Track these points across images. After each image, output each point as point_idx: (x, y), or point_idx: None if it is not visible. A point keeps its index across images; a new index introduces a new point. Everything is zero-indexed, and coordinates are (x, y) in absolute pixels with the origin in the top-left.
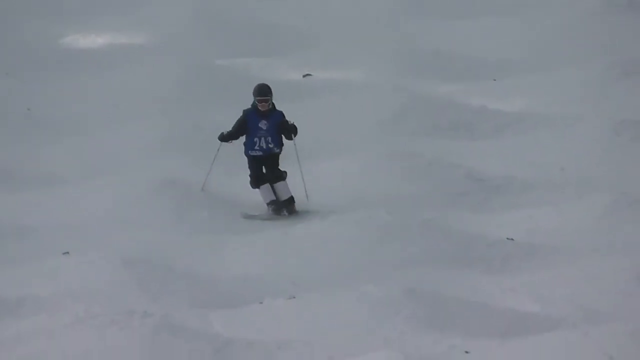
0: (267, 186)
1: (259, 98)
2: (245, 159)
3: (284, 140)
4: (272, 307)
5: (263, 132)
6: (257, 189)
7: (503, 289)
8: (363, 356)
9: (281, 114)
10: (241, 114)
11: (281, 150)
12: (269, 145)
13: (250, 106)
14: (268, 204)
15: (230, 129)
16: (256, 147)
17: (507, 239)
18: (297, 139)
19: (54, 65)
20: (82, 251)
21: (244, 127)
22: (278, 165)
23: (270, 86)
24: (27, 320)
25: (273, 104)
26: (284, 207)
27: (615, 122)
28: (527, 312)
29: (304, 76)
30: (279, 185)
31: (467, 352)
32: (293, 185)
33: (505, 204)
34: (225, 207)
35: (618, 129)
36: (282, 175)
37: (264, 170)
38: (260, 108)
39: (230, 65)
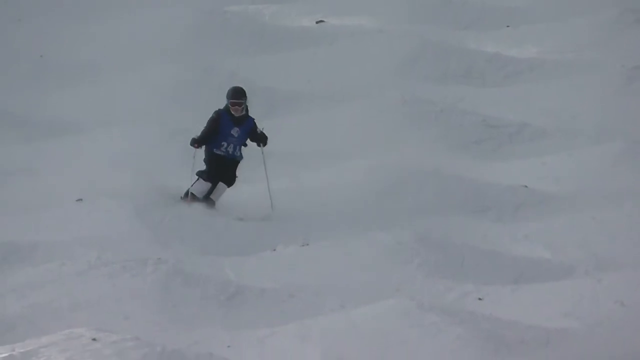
0: (208, 185)
1: (232, 101)
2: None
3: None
4: (285, 254)
5: (233, 139)
6: (197, 179)
7: (515, 237)
8: (374, 304)
9: (253, 121)
10: (213, 113)
11: (242, 159)
12: (235, 152)
13: (223, 108)
14: (191, 194)
15: (201, 132)
16: (222, 149)
17: (520, 186)
18: (266, 146)
19: (67, 12)
20: (94, 198)
21: (216, 128)
22: (235, 170)
23: (245, 90)
24: (39, 267)
25: (247, 107)
26: (202, 203)
27: (628, 68)
28: (540, 259)
29: (317, 22)
30: (222, 185)
31: (480, 298)
32: (258, 194)
33: (518, 151)
34: None
35: (631, 75)
36: (232, 181)
37: (217, 172)
38: (233, 112)
39: (241, 11)
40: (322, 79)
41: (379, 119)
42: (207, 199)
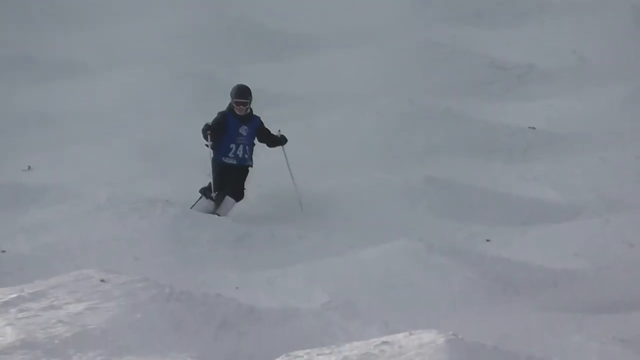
0: (209, 204)
1: (237, 100)
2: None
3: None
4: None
5: (242, 138)
6: (200, 197)
7: (524, 178)
8: (383, 245)
9: (259, 119)
10: (217, 114)
11: (252, 164)
12: (245, 155)
13: (226, 109)
14: (204, 195)
15: (208, 124)
16: (230, 154)
17: (529, 127)
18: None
19: None
20: (104, 139)
21: (223, 128)
22: (244, 181)
23: (251, 89)
24: (50, 208)
25: (251, 108)
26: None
27: (637, 9)
28: (548, 201)
29: None
30: (229, 200)
31: (488, 240)
32: (286, 198)
33: (527, 92)
34: None
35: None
36: (240, 195)
37: (222, 186)
38: (237, 112)
39: None
40: (331, 21)
41: (388, 61)
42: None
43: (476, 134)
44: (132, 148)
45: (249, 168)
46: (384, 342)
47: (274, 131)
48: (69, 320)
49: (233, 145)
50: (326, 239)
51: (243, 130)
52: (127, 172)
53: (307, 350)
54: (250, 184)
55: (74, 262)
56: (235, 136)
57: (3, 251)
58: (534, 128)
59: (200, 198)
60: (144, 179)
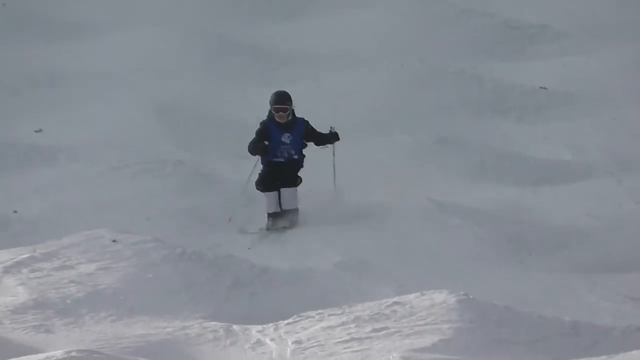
0: (274, 194)
1: (276, 106)
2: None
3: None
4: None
5: (287, 146)
6: (262, 193)
7: (536, 138)
8: (395, 205)
9: (303, 122)
10: (259, 125)
11: (303, 160)
12: (292, 155)
13: (266, 117)
14: (269, 215)
15: (252, 142)
16: (278, 155)
17: (541, 87)
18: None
19: None
20: (115, 100)
21: (268, 137)
22: (296, 173)
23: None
24: (62, 168)
25: (293, 112)
26: (284, 219)
27: None
28: (560, 160)
29: None
30: (287, 191)
31: (498, 200)
32: (323, 176)
33: (539, 52)
34: (257, 57)
35: None
36: (295, 181)
37: (275, 178)
38: (278, 119)
39: None
40: None
41: (399, 21)
42: (285, 212)
43: (488, 93)
44: (143, 108)
45: (300, 163)
46: (396, 303)
47: (324, 129)
48: (81, 280)
49: (278, 152)
50: (336, 195)
51: (286, 138)
52: (139, 133)
53: (319, 311)
54: None
55: (85, 222)
56: (278, 145)
57: (15, 211)
58: (545, 88)
59: (264, 195)
60: (155, 140)
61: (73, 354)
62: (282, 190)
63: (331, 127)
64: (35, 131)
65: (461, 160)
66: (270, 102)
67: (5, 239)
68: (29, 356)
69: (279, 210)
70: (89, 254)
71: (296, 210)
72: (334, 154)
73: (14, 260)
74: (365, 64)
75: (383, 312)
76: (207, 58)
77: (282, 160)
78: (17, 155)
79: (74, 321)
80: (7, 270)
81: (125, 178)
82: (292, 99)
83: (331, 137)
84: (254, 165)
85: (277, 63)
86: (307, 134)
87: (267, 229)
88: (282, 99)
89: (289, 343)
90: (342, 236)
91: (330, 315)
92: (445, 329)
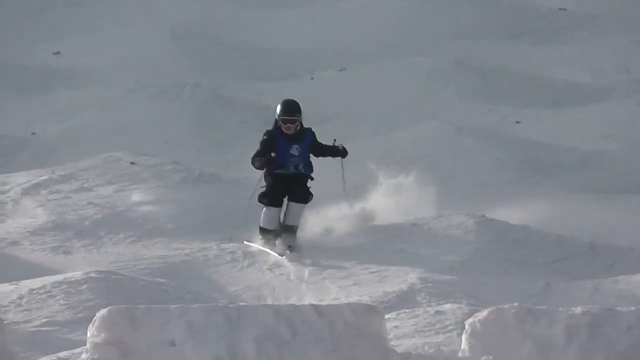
0: (277, 210)
1: (284, 118)
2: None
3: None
4: (323, 79)
5: (295, 158)
6: (263, 207)
7: (554, 60)
8: (413, 127)
9: (311, 133)
10: (263, 135)
11: (311, 172)
12: (300, 169)
13: (272, 127)
14: (263, 230)
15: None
16: (285, 167)
17: (559, 9)
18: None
19: None
20: (132, 23)
21: (274, 148)
22: (305, 185)
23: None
24: (79, 91)
25: (301, 122)
26: (282, 238)
27: None
28: (578, 82)
29: None
30: (296, 206)
31: (518, 122)
32: (334, 196)
33: None
34: None
35: None
36: (306, 197)
37: (282, 192)
38: (285, 131)
39: None
40: None
41: None
42: (285, 231)
43: (505, 15)
44: (160, 32)
45: (308, 176)
46: (413, 224)
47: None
48: (99, 202)
49: (285, 165)
50: (352, 122)
51: (295, 150)
52: (156, 56)
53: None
54: None
55: (103, 144)
56: (287, 158)
57: (33, 133)
58: (564, 9)
59: (263, 210)
60: (173, 63)
61: (92, 274)
62: (291, 204)
63: (334, 140)
64: (53, 53)
65: (479, 83)
66: (277, 112)
67: (24, 160)
68: (48, 277)
69: (277, 229)
70: (107, 176)
71: (295, 227)
72: (342, 167)
73: (33, 182)
74: None
75: (401, 234)
76: None
77: (289, 172)
78: (35, 78)
79: (93, 243)
80: (26, 192)
81: (143, 101)
82: (302, 109)
83: (341, 152)
84: (258, 181)
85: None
86: (315, 147)
87: (262, 243)
88: (291, 110)
89: (307, 264)
90: (362, 158)
91: (348, 236)
92: (462, 250)
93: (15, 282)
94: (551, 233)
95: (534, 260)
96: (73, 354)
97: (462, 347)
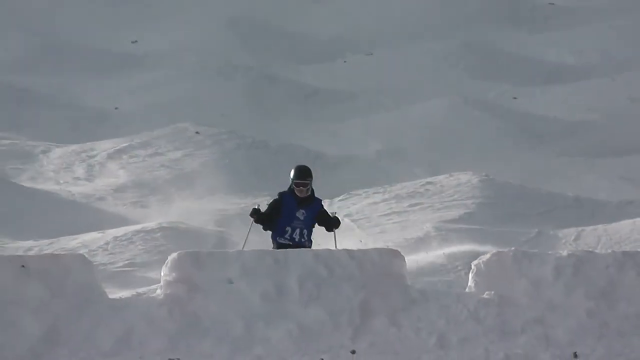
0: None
1: (297, 181)
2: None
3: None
4: (353, 62)
5: (299, 222)
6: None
7: (545, 44)
8: (427, 101)
9: (320, 203)
10: (276, 196)
11: (311, 245)
12: (302, 239)
13: (287, 189)
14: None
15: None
16: (286, 236)
17: (549, 3)
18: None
19: None
20: (192, 12)
21: (278, 211)
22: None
23: (311, 168)
24: (149, 74)
25: (312, 189)
26: None
27: None
28: (565, 63)
29: None
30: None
31: (515, 97)
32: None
33: None
34: None
35: None
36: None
37: None
38: (298, 193)
39: None
40: None
41: None
42: None
43: (505, 6)
44: (217, 20)
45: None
46: (428, 182)
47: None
48: (170, 164)
49: (289, 229)
50: (377, 97)
51: (300, 214)
52: (213, 41)
53: (365, 189)
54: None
55: (172, 117)
56: (291, 219)
57: (116, 108)
58: (552, 4)
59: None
60: (227, 46)
61: (164, 225)
62: None
63: (334, 213)
64: (132, 42)
65: (482, 63)
66: (291, 176)
67: (107, 130)
68: (128, 226)
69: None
70: (176, 143)
71: None
72: (335, 238)
73: (115, 148)
74: None
75: (418, 191)
76: None
77: (290, 243)
78: (115, 61)
79: (164, 198)
80: (110, 156)
81: (203, 80)
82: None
83: (335, 223)
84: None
85: None
86: (321, 216)
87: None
88: (303, 175)
89: (341, 216)
90: (382, 126)
91: (374, 193)
92: (469, 204)
93: (101, 231)
94: (542, 189)
95: (528, 211)
96: (149, 289)
97: (469, 284)
